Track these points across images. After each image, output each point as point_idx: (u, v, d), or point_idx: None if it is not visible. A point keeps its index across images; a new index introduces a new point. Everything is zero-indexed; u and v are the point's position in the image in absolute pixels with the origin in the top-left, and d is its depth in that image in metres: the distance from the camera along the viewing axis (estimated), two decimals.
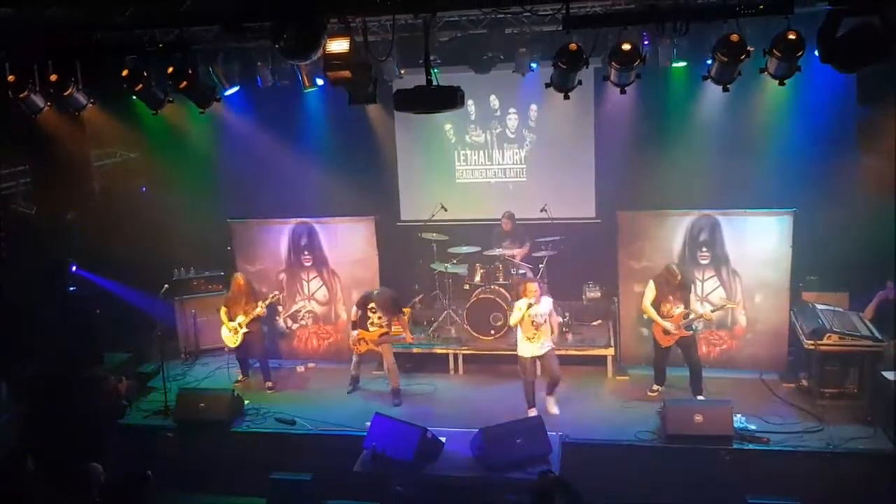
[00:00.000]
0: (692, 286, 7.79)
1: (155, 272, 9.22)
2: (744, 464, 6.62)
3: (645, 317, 8.08)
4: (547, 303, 7.47)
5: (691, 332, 7.59)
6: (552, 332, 7.51)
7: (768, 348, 8.13)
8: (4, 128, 7.49)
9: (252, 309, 8.36)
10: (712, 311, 7.78)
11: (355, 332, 8.05)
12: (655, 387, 7.86)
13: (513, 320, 7.44)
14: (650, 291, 7.66)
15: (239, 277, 8.55)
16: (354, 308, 8.14)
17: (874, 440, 6.74)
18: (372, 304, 7.98)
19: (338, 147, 9.85)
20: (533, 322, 7.29)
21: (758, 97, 8.21)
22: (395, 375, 8.07)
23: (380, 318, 7.97)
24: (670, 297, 7.56)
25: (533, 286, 7.31)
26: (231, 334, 8.45)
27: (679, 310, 7.52)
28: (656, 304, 7.61)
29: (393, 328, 8.07)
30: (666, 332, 7.57)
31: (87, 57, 6.81)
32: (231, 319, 8.43)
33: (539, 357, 7.45)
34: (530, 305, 7.23)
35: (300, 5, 5.68)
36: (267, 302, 8.44)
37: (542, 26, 7.11)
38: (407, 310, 8.66)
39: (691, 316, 7.52)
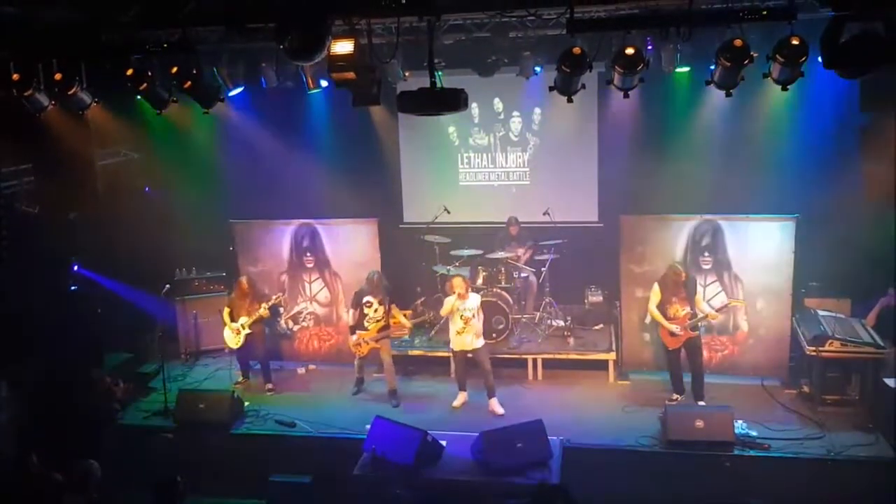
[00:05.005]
0: (697, 285, 7.75)
1: (157, 272, 9.23)
2: (744, 470, 6.60)
3: (647, 321, 8.06)
4: (475, 298, 7.69)
5: (697, 332, 7.55)
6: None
7: (770, 354, 8.10)
8: (8, 126, 7.49)
9: (255, 310, 8.37)
10: (717, 311, 7.65)
11: (354, 336, 8.06)
12: (675, 396, 7.72)
13: (442, 311, 7.79)
14: (655, 295, 7.63)
15: (243, 279, 8.57)
16: (350, 311, 8.16)
17: (875, 447, 6.73)
18: (367, 299, 7.97)
19: (341, 148, 9.84)
20: (462, 316, 7.53)
21: (761, 102, 8.19)
22: (393, 377, 8.07)
23: (376, 310, 7.95)
24: (674, 299, 7.52)
25: (458, 281, 7.59)
26: (233, 335, 8.46)
27: (685, 311, 7.49)
28: (662, 307, 7.56)
29: (393, 323, 8.07)
30: (672, 334, 7.54)
31: (92, 56, 6.81)
32: (234, 320, 8.44)
33: (472, 353, 7.66)
34: (460, 296, 7.52)
35: (305, 7, 5.68)
36: (270, 303, 8.46)
37: (546, 30, 7.12)
38: (408, 312, 8.70)
39: (698, 316, 7.50)
